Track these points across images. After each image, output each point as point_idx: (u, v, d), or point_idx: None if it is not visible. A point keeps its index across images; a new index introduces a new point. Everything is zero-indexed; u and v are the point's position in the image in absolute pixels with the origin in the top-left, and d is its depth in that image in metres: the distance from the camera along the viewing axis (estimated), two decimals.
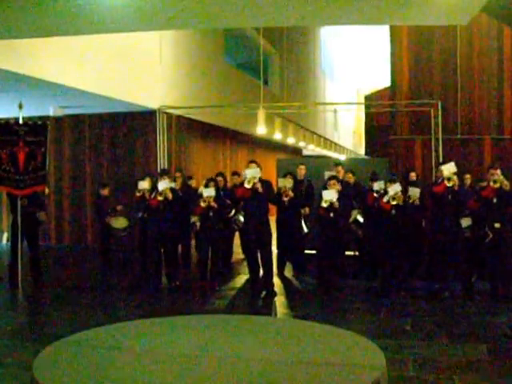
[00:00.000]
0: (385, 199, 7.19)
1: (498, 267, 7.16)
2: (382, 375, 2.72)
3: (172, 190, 7.71)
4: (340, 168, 8.86)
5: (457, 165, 7.24)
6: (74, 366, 2.92)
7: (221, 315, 5.70)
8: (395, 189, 7.19)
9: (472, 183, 8.51)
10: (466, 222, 7.41)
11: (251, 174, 7.14)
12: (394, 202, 7.11)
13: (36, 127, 8.05)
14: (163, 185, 7.59)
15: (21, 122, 7.89)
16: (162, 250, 7.91)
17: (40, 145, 8.06)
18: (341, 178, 8.37)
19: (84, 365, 2.92)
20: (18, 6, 5.17)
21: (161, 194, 7.53)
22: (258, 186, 7.10)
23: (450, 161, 7.58)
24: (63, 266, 10.12)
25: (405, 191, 7.66)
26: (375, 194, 7.77)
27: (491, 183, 6.99)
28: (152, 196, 7.80)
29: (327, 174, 8.48)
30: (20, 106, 7.84)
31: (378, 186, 7.86)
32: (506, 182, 6.96)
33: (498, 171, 7.03)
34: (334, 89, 28.46)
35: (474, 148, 10.71)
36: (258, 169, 7.21)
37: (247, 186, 7.13)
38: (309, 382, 2.73)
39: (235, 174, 9.50)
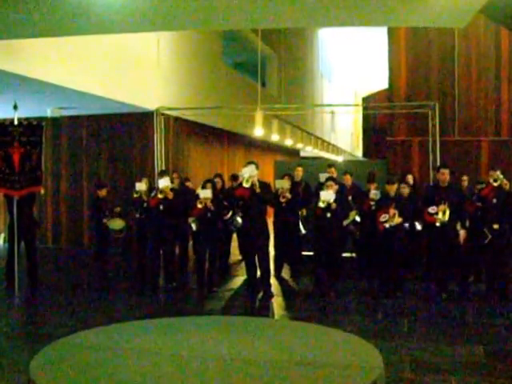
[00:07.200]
0: (382, 219, 7.15)
1: (495, 268, 7.17)
2: (379, 376, 2.72)
3: (172, 190, 7.70)
4: (333, 169, 8.88)
5: (454, 167, 7.27)
6: (70, 366, 2.91)
7: (218, 316, 5.70)
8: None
9: (469, 185, 8.52)
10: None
11: (248, 173, 7.14)
12: (387, 225, 7.11)
13: (31, 128, 8.03)
14: (163, 183, 7.57)
15: (15, 122, 7.87)
16: (161, 251, 7.90)
17: (35, 145, 8.03)
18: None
19: (81, 366, 2.91)
20: (17, 6, 5.16)
21: (161, 191, 7.51)
22: (256, 184, 7.10)
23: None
24: (60, 268, 10.09)
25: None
26: (371, 202, 7.78)
27: (491, 181, 7.01)
28: (152, 195, 7.79)
29: (322, 176, 8.49)
30: (15, 107, 7.81)
31: (373, 194, 7.87)
32: (505, 181, 6.98)
33: (498, 172, 7.06)
34: (332, 90, 28.49)
35: (472, 150, 10.73)
36: (254, 166, 7.21)
37: (246, 185, 7.13)
38: (306, 383, 2.72)
39: (234, 178, 9.49)
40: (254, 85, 14.16)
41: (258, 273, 7.53)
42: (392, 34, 11.26)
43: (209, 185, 7.66)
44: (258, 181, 7.23)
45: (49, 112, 10.54)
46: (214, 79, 13.61)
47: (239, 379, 2.76)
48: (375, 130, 18.14)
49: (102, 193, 9.40)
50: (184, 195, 8.35)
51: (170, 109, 11.00)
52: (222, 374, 2.81)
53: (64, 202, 12.23)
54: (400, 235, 7.21)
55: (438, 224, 6.95)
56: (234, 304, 7.27)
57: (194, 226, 7.72)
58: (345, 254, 8.31)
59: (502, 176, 7.04)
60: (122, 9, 5.13)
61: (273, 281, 7.94)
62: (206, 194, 7.41)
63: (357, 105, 25.99)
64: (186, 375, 2.80)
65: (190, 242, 8.95)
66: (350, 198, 8.26)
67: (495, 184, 6.97)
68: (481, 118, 10.91)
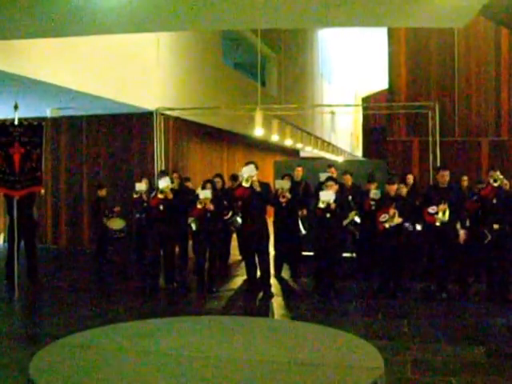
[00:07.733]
0: (382, 219, 7.14)
1: (495, 268, 7.16)
2: (380, 377, 2.72)
3: (172, 190, 7.71)
4: (333, 169, 8.88)
5: (454, 167, 7.27)
6: (70, 367, 2.91)
7: (218, 316, 5.69)
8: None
9: (469, 185, 8.52)
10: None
11: (248, 173, 7.17)
12: (387, 225, 7.10)
13: (31, 128, 8.02)
14: (164, 183, 7.58)
15: (16, 122, 7.87)
16: (161, 251, 7.90)
17: (35, 145, 8.03)
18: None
19: (80, 366, 2.91)
20: (17, 6, 5.16)
21: (161, 192, 7.52)
22: (256, 184, 7.12)
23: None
24: (60, 268, 10.09)
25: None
26: (371, 202, 7.78)
27: (491, 181, 7.01)
28: (152, 195, 7.79)
29: (322, 176, 8.49)
30: (15, 107, 7.81)
31: (373, 194, 7.87)
32: (505, 182, 6.98)
33: (498, 172, 7.06)
34: (332, 91, 28.47)
35: (472, 150, 10.73)
36: (253, 165, 7.23)
37: (245, 185, 7.14)
38: (306, 383, 2.72)
39: (234, 178, 9.49)
40: (254, 85, 14.14)
41: (258, 273, 7.53)
42: (392, 34, 11.26)
43: (209, 185, 7.66)
44: (258, 181, 7.24)
45: (49, 112, 10.53)
46: (214, 79, 13.61)
47: (239, 379, 2.76)
48: (375, 130, 18.13)
49: (102, 193, 9.43)
50: (184, 195, 8.36)
51: (169, 109, 11.00)
52: (222, 374, 2.80)
53: (64, 202, 12.22)
54: (400, 235, 7.21)
55: (438, 224, 6.95)
56: (234, 304, 7.26)
57: (193, 226, 7.72)
58: (345, 254, 8.31)
59: (501, 176, 7.05)
60: (122, 9, 5.13)
61: (273, 281, 7.94)
62: (205, 194, 7.42)
63: (357, 105, 25.99)
64: (186, 375, 2.80)
65: (190, 242, 8.97)
66: (350, 197, 8.26)
67: (495, 184, 6.97)
68: (481, 117, 10.90)
